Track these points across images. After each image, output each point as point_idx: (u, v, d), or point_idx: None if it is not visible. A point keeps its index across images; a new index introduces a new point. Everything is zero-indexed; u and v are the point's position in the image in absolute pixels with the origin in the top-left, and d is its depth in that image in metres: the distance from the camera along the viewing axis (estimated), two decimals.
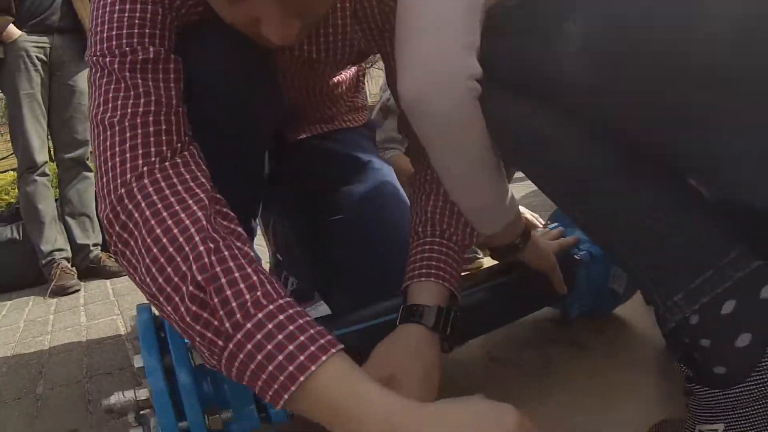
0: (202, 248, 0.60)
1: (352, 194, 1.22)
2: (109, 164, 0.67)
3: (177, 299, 0.60)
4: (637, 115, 0.63)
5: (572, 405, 0.89)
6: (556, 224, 1.18)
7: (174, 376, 0.77)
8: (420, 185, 0.95)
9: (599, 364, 1.01)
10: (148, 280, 0.62)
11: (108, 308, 2.15)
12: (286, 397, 0.56)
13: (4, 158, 4.61)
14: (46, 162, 2.72)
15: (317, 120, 1.26)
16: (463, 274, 0.94)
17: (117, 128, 0.67)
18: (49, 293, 2.51)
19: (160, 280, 0.61)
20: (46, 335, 1.91)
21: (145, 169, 0.65)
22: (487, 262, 1.76)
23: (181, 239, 0.61)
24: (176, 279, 0.60)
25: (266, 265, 1.80)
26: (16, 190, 3.16)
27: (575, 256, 1.08)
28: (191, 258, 0.60)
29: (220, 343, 0.58)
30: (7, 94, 2.64)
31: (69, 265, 2.69)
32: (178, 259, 0.60)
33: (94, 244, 2.85)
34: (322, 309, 1.44)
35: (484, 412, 0.56)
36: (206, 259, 0.59)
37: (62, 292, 2.50)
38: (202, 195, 0.65)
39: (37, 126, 2.62)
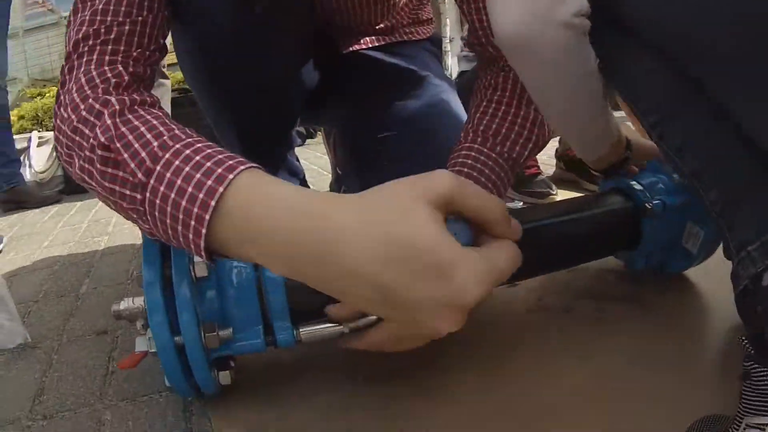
0: (105, 116, 0.57)
1: (405, 110, 1.10)
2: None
3: (93, 170, 0.57)
4: None
5: (616, 368, 0.77)
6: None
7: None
8: (474, 93, 0.89)
9: (655, 326, 0.87)
10: (73, 167, 0.61)
11: None
12: (204, 231, 0.50)
13: None
14: None
15: (375, 31, 1.14)
16: (526, 206, 0.82)
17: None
18: None
19: (77, 160, 0.59)
20: (104, 236, 1.88)
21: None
22: (561, 197, 1.63)
23: (86, 115, 0.58)
24: (87, 152, 0.57)
25: (327, 176, 1.69)
26: None
27: (647, 205, 0.92)
28: (97, 126, 0.57)
29: (139, 196, 0.54)
30: None
31: None
32: (86, 131, 0.57)
33: None
34: None
35: (406, 184, 0.49)
36: (108, 121, 0.56)
37: None
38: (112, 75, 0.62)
39: None
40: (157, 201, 0.53)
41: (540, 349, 0.84)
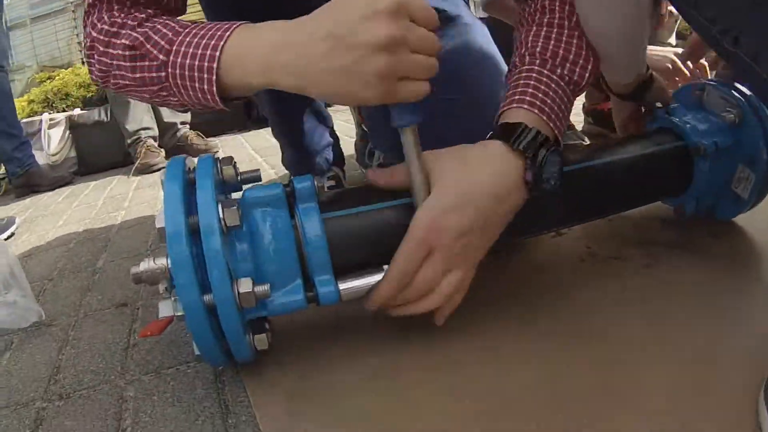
0: (128, 26, 0.68)
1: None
2: None
3: (124, 72, 0.68)
4: None
5: (676, 315, 0.71)
6: (676, 105, 0.95)
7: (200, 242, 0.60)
8: (521, 23, 0.83)
9: (709, 272, 0.81)
10: (109, 84, 0.72)
11: None
12: (214, 78, 0.62)
13: None
14: None
15: None
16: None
17: None
18: (134, 171, 2.43)
19: (111, 77, 0.70)
20: (121, 211, 1.79)
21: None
22: None
23: (115, 29, 0.68)
24: (116, 60, 0.68)
25: (351, 138, 1.61)
26: None
27: (700, 144, 0.85)
28: (122, 36, 0.67)
29: (163, 74, 0.65)
30: None
31: (155, 143, 2.58)
32: (117, 41, 0.67)
33: (182, 123, 2.74)
34: None
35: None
36: (130, 31, 0.67)
37: (147, 169, 2.41)
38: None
39: None
40: (177, 71, 0.64)
41: (596, 296, 0.78)
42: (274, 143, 2.48)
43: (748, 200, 0.86)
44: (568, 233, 0.99)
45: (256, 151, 2.38)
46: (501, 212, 0.67)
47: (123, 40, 0.66)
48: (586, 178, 0.81)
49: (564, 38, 0.78)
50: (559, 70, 0.76)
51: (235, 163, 0.69)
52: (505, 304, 0.78)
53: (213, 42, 0.62)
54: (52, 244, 1.54)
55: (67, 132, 2.78)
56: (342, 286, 0.65)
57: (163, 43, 0.64)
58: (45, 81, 3.53)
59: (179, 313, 0.60)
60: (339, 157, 1.27)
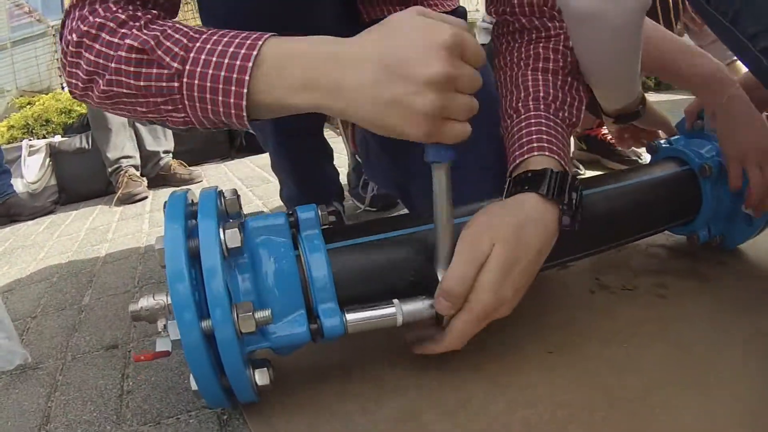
0: (133, 26, 0.61)
1: None
2: None
3: (122, 78, 0.60)
4: None
5: (694, 344, 0.72)
6: (679, 137, 0.99)
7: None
8: (508, 64, 0.86)
9: (721, 299, 0.83)
10: (95, 91, 0.63)
11: None
12: (245, 91, 0.56)
13: None
14: None
15: (400, 1, 1.02)
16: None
17: None
18: (115, 201, 2.38)
19: (102, 79, 0.61)
20: (104, 243, 1.74)
21: None
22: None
23: (114, 26, 0.61)
24: (114, 63, 0.60)
25: (345, 168, 1.59)
26: None
27: (705, 166, 0.87)
28: (127, 36, 0.60)
29: (176, 84, 0.58)
30: None
31: (137, 173, 2.54)
32: (116, 40, 0.60)
33: (165, 151, 2.69)
34: None
35: (418, 25, 0.55)
36: (136, 31, 0.60)
37: (129, 199, 2.36)
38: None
39: None
40: (195, 82, 0.57)
41: (610, 329, 0.78)
42: (259, 173, 2.47)
43: (761, 219, 0.88)
44: (573, 266, 0.98)
45: (241, 181, 2.34)
46: (541, 260, 0.69)
47: (128, 41, 0.59)
48: (597, 206, 0.81)
49: (560, 83, 0.82)
50: (560, 114, 0.80)
51: (238, 195, 0.67)
52: (518, 341, 0.77)
53: (243, 51, 0.56)
54: (33, 279, 1.49)
55: (48, 159, 2.71)
56: (349, 316, 0.63)
57: (177, 49, 0.58)
58: (25, 106, 3.48)
59: (175, 338, 0.57)
60: (339, 192, 1.24)
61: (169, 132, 2.74)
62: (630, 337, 0.74)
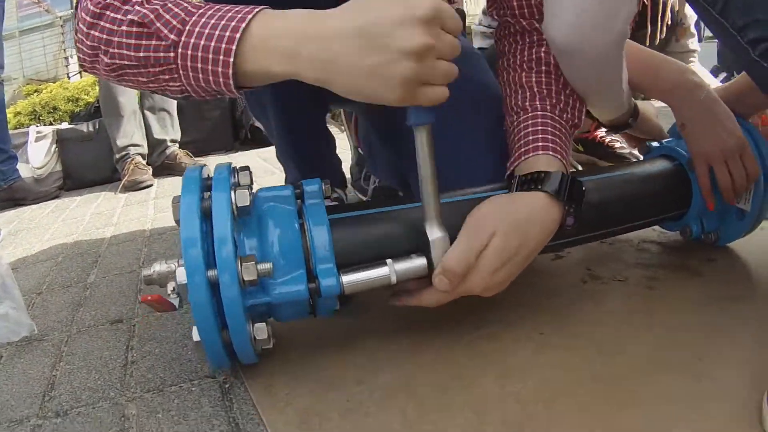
0: (135, 4, 0.63)
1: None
2: None
3: (124, 52, 0.62)
4: None
5: (682, 334, 0.74)
6: (670, 139, 1.01)
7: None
8: (512, 65, 0.89)
9: (710, 292, 0.85)
10: (100, 65, 0.66)
11: None
12: (231, 60, 0.59)
13: None
14: None
15: None
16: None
17: None
18: (120, 188, 2.40)
19: (104, 55, 0.64)
20: (110, 226, 1.76)
21: None
22: None
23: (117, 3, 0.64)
24: (116, 37, 0.63)
25: (348, 162, 1.61)
26: (96, 90, 3.06)
27: (691, 159, 0.90)
28: (129, 12, 0.62)
29: (172, 54, 0.61)
30: None
31: (143, 161, 2.56)
32: (118, 16, 0.63)
33: (172, 140, 2.71)
34: None
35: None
36: (137, 7, 0.62)
37: (133, 186, 2.38)
38: None
39: None
40: (189, 52, 0.60)
41: (600, 315, 0.80)
42: (264, 165, 2.49)
43: (751, 213, 0.89)
44: (567, 257, 1.00)
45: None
46: (535, 254, 0.73)
47: (130, 16, 0.62)
48: (589, 194, 0.82)
49: (562, 86, 0.85)
50: (564, 115, 0.83)
51: (250, 171, 0.71)
52: (511, 323, 0.79)
53: (233, 24, 0.59)
54: (38, 258, 1.51)
55: (54, 146, 2.74)
56: (344, 276, 0.66)
57: (175, 22, 0.61)
58: (32, 94, 3.50)
59: (182, 281, 0.61)
60: (342, 180, 1.27)
61: (176, 121, 2.77)
62: (619, 324, 0.77)
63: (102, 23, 0.63)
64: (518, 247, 0.69)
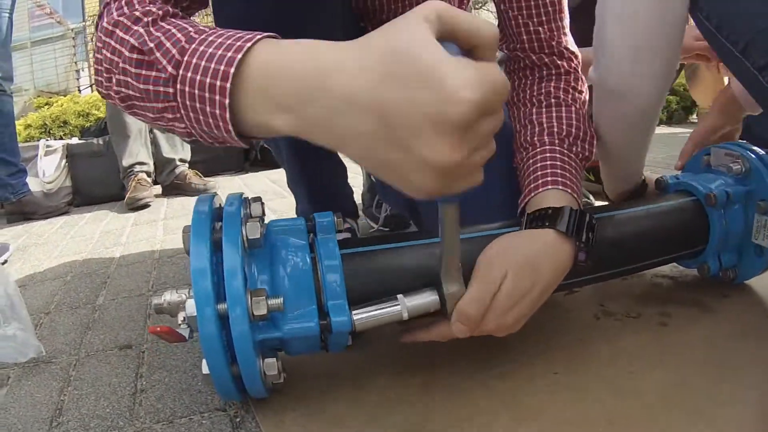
0: (141, 23, 0.56)
1: None
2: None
3: (128, 79, 0.56)
4: None
5: (693, 373, 0.74)
6: (687, 173, 1.00)
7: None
8: (521, 100, 0.91)
9: (724, 330, 0.85)
10: (111, 88, 0.60)
11: (188, 221, 1.98)
12: (227, 101, 0.49)
13: None
14: None
15: None
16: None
17: None
18: (124, 205, 2.41)
19: (114, 77, 0.58)
20: (119, 246, 1.77)
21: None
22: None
23: (126, 22, 0.57)
24: (122, 63, 0.56)
25: (359, 188, 1.61)
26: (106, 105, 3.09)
27: (710, 194, 0.89)
28: (131, 33, 0.56)
29: (171, 90, 0.53)
30: None
31: (147, 178, 2.57)
32: (126, 36, 0.56)
33: (181, 160, 2.72)
34: None
35: (434, 65, 0.42)
36: (141, 30, 0.56)
37: (134, 203, 2.39)
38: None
39: None
40: (186, 88, 0.51)
41: (613, 353, 0.80)
42: (273, 188, 2.50)
43: None
44: (580, 292, 1.00)
45: (257, 195, 2.37)
46: (549, 292, 0.72)
47: (132, 39, 0.55)
48: (605, 230, 0.82)
49: (573, 119, 0.86)
50: (574, 148, 0.84)
51: (262, 202, 0.71)
52: (526, 362, 0.79)
53: (229, 54, 0.49)
54: (47, 276, 1.52)
55: (64, 161, 2.75)
56: (355, 312, 0.66)
57: (174, 51, 0.52)
58: (43, 107, 3.53)
59: (192, 314, 0.61)
60: (354, 210, 1.27)
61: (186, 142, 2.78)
62: (632, 361, 0.76)
63: (112, 43, 0.57)
64: (531, 287, 0.68)
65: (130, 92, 0.57)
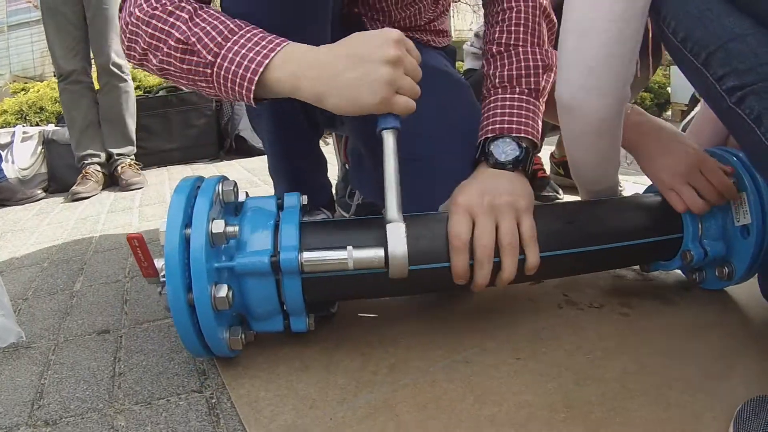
0: (181, 18, 0.78)
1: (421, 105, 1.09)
2: None
3: (172, 60, 0.79)
4: None
5: (652, 361, 0.78)
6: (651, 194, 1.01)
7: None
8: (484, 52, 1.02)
9: (683, 320, 0.89)
10: (149, 63, 0.82)
11: (163, 210, 2.00)
12: (253, 88, 0.75)
13: None
14: (76, 70, 2.59)
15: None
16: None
17: None
18: (68, 196, 2.44)
19: (154, 58, 0.80)
20: (94, 233, 1.78)
21: None
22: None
23: (164, 16, 0.79)
24: (165, 49, 0.79)
25: (334, 177, 1.64)
26: None
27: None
28: (174, 28, 0.78)
29: (209, 71, 0.77)
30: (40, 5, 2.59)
31: (99, 170, 2.60)
32: (166, 27, 0.78)
33: (119, 154, 2.73)
34: None
35: (374, 32, 0.75)
36: (183, 26, 0.78)
37: (74, 197, 2.41)
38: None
39: (61, 35, 2.53)
40: (222, 72, 0.76)
41: (575, 341, 0.83)
42: (248, 176, 2.52)
43: (756, 224, 0.85)
44: (544, 283, 1.04)
45: None
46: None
47: (177, 34, 0.77)
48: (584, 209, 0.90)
49: (521, 58, 0.95)
50: (518, 88, 0.93)
51: (236, 184, 0.82)
52: (490, 349, 0.82)
53: (259, 58, 0.75)
54: (24, 262, 1.52)
55: (40, 147, 2.74)
56: (305, 254, 0.73)
57: (212, 45, 0.76)
58: (19, 92, 3.49)
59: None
60: (330, 201, 1.30)
61: (132, 134, 2.80)
62: (593, 350, 0.80)
63: (150, 30, 0.79)
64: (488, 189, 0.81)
65: (171, 69, 0.80)
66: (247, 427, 0.67)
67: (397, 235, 0.72)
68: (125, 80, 2.70)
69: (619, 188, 1.06)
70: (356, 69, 0.72)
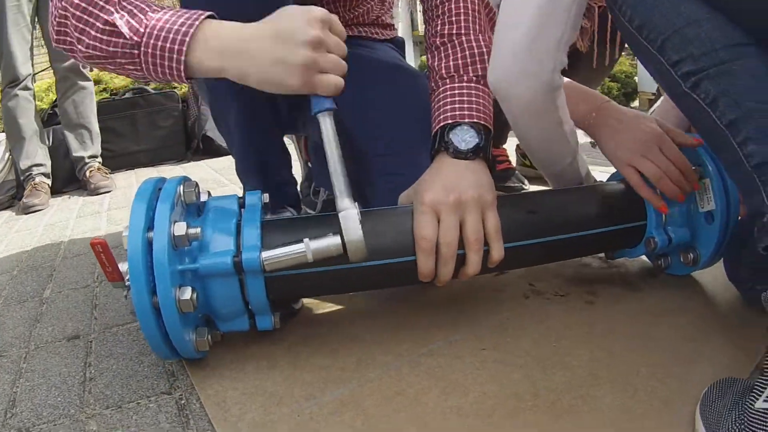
0: (110, 3, 0.77)
1: (378, 98, 1.11)
2: None
3: (98, 44, 0.78)
4: None
5: (618, 347, 0.79)
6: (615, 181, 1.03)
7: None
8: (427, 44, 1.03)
9: (649, 306, 0.91)
10: (81, 45, 0.80)
11: None
12: (183, 59, 0.75)
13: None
14: (30, 75, 2.53)
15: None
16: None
17: None
18: (19, 209, 2.41)
19: (85, 40, 0.79)
20: (63, 239, 1.77)
21: None
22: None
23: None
24: (93, 32, 0.77)
25: (298, 174, 1.64)
26: (51, 96, 3.06)
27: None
28: (102, 12, 0.77)
29: (136, 51, 0.76)
30: None
31: (46, 181, 2.57)
32: (95, 11, 0.77)
33: (90, 156, 2.70)
34: None
35: (298, 8, 0.74)
36: (113, 8, 0.76)
37: (27, 210, 2.37)
38: None
39: (20, 38, 2.44)
40: (149, 50, 0.75)
41: (541, 330, 0.85)
42: (215, 176, 2.51)
43: (720, 210, 0.86)
44: (509, 273, 1.05)
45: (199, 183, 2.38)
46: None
47: (104, 16, 0.76)
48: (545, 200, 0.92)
49: (465, 49, 0.96)
50: (465, 77, 0.94)
51: (197, 185, 0.83)
52: (455, 340, 0.84)
53: (184, 29, 0.74)
54: None
55: (7, 154, 2.70)
56: (265, 254, 0.74)
57: (138, 26, 0.76)
58: None
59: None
60: (296, 199, 1.30)
61: (97, 137, 2.78)
62: (559, 338, 0.82)
63: (83, 17, 0.77)
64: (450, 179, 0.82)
65: (97, 53, 0.78)
66: (216, 427, 0.68)
67: (350, 220, 0.73)
68: (89, 79, 2.68)
69: (595, 181, 1.08)
70: (276, 50, 0.72)
